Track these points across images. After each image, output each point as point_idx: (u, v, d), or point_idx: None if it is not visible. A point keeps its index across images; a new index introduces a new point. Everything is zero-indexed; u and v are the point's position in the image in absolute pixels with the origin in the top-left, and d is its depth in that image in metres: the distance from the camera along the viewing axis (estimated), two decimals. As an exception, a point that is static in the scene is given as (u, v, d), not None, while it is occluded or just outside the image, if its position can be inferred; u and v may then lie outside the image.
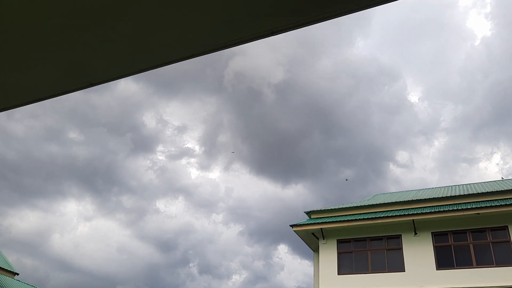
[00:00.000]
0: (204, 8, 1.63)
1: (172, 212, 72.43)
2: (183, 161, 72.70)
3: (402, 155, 67.04)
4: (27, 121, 56.79)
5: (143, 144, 68.57)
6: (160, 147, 70.72)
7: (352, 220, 18.92)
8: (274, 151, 63.61)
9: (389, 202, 20.12)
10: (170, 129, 68.39)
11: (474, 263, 16.58)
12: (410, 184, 68.38)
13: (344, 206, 20.68)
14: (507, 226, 16.66)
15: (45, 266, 58.58)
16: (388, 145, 66.59)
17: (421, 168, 68.26)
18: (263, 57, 55.51)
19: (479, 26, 70.55)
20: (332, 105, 58.12)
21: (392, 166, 66.54)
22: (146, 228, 69.38)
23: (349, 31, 61.29)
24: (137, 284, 62.98)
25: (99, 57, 1.99)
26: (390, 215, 18.50)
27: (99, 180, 67.85)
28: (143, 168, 69.88)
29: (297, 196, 66.14)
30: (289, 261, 66.43)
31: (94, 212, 69.18)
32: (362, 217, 18.94)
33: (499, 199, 17.47)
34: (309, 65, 59.02)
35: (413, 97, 69.49)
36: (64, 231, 64.21)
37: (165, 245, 70.77)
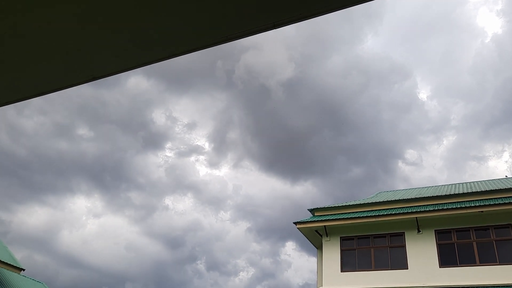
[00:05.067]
0: (205, 0, 1.63)
1: (180, 209, 72.61)
2: (192, 158, 72.78)
3: (411, 153, 66.82)
4: (37, 118, 56.99)
5: (152, 141, 68.64)
6: (169, 144, 70.81)
7: (355, 218, 18.92)
8: (284, 148, 63.46)
9: (392, 199, 20.09)
10: (179, 126, 68.41)
11: (477, 261, 16.55)
12: (419, 182, 68.28)
13: (347, 204, 20.67)
14: (510, 224, 16.61)
15: (54, 263, 58.93)
16: (397, 143, 66.35)
17: (430, 167, 68.00)
18: (274, 53, 55.25)
19: (490, 23, 70.06)
20: (342, 102, 57.89)
21: (401, 164, 66.37)
22: (154, 225, 69.61)
23: (360, 28, 60.94)
24: (145, 281, 63.22)
25: (101, 50, 2.00)
26: (393, 212, 18.47)
27: (108, 177, 68.08)
28: (152, 165, 70.05)
29: (306, 193, 66.01)
30: (297, 258, 66.43)
31: (103, 208, 69.49)
32: (365, 215, 18.94)
33: (503, 197, 17.42)
34: (320, 62, 58.76)
35: (423, 95, 69.19)
36: (73, 227, 64.53)
37: (173, 242, 71.00)
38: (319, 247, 20.99)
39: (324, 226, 19.27)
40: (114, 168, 67.40)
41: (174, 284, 64.56)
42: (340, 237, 19.24)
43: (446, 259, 17.04)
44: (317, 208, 20.91)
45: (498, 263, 16.13)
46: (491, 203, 16.86)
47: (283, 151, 63.75)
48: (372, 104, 62.41)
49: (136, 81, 62.41)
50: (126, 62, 2.04)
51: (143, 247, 67.42)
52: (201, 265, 69.10)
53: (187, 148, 69.67)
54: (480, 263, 16.46)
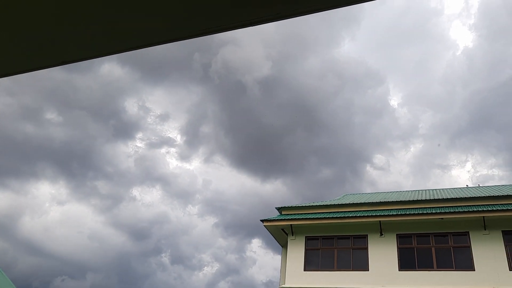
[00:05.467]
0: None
1: (148, 200, 71.48)
2: (163, 150, 71.81)
3: (379, 158, 68.26)
4: (3, 99, 54.67)
5: (123, 130, 67.18)
6: (140, 135, 69.55)
7: (321, 218, 19.22)
8: (256, 145, 63.49)
9: (357, 202, 20.53)
10: (152, 117, 67.27)
11: (435, 265, 17.13)
12: (385, 187, 69.73)
13: (314, 204, 20.96)
14: (468, 232, 17.27)
15: (13, 249, 56.87)
16: (367, 147, 67.57)
17: (397, 172, 69.73)
18: (253, 50, 55.06)
19: (462, 37, 72.36)
20: (316, 103, 58.37)
21: (369, 168, 67.69)
22: (120, 215, 68.21)
23: (338, 31, 61.61)
24: (108, 271, 61.89)
25: (73, 36, 1.95)
26: (358, 215, 18.88)
27: (75, 164, 66.14)
28: (121, 154, 68.61)
29: (276, 191, 66.28)
30: (262, 256, 66.74)
31: (68, 196, 67.50)
32: (331, 216, 19.27)
33: (463, 206, 18.10)
34: (297, 62, 59.01)
35: (394, 102, 70.87)
36: (35, 214, 62.42)
37: (139, 233, 69.84)
38: (284, 245, 21.20)
39: (290, 225, 19.47)
40: (82, 156, 65.65)
41: (137, 276, 63.66)
42: (305, 237, 19.49)
43: (406, 262, 17.55)
44: (285, 207, 21.10)
45: (454, 269, 16.76)
46: (451, 210, 17.49)
47: (255, 148, 63.88)
48: (345, 107, 63.37)
49: (110, 68, 60.93)
50: (98, 49, 1.99)
51: (107, 237, 66.06)
52: (165, 258, 68.39)
53: (158, 140, 68.72)
54: (437, 268, 17.05)
